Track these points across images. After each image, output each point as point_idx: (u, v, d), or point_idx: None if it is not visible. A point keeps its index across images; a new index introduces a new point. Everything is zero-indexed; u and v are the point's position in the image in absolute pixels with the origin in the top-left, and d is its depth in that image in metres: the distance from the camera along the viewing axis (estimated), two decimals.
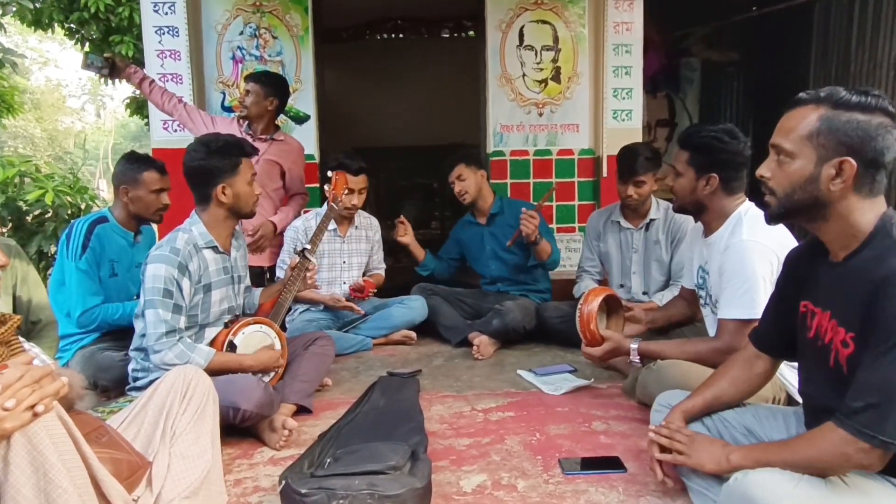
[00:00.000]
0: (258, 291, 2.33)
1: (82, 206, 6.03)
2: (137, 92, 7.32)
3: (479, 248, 3.12)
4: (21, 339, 1.31)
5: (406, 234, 3.02)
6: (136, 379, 2.04)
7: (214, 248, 2.03)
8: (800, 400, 1.67)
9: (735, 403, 1.49)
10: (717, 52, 5.51)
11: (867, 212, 1.17)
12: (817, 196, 1.18)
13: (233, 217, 2.07)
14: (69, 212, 5.70)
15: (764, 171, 1.27)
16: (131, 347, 2.07)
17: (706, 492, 1.41)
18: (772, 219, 1.29)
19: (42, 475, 0.97)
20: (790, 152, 1.21)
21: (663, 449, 1.44)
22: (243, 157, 2.03)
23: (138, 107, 7.23)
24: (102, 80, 2.77)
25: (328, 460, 1.59)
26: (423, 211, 6.04)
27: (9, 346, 1.27)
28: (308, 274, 2.29)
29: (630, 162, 2.65)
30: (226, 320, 2.11)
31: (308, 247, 2.33)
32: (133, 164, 2.40)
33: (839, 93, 1.17)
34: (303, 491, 1.39)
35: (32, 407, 0.96)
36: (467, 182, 2.99)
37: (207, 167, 1.98)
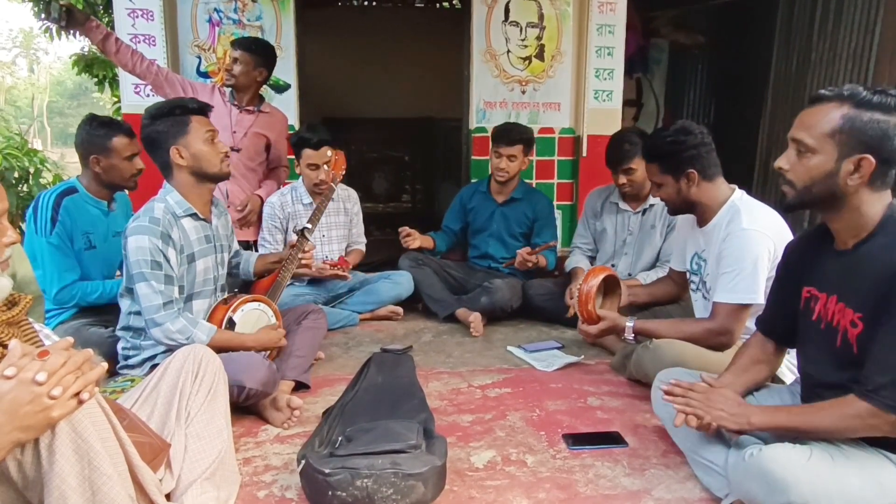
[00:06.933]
0: (253, 256, 2.27)
1: (31, 171, 5.64)
2: (86, 49, 6.81)
3: (486, 223, 3.09)
4: (30, 319, 1.25)
5: (415, 240, 2.95)
6: (126, 357, 1.98)
7: (194, 216, 1.95)
8: (785, 379, 1.79)
9: (763, 383, 1.58)
10: (684, 34, 5.61)
11: (876, 203, 1.27)
12: (834, 190, 1.27)
13: (203, 181, 1.95)
14: (16, 175, 5.31)
15: (783, 163, 1.34)
16: (119, 326, 1.99)
17: (710, 464, 1.49)
18: (788, 208, 1.37)
19: (87, 463, 0.95)
20: (812, 147, 1.28)
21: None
22: (190, 114, 1.90)
23: (87, 65, 6.72)
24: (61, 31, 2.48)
25: (340, 439, 1.59)
26: (394, 184, 5.97)
27: (19, 326, 1.22)
28: (302, 254, 2.26)
29: (615, 152, 2.67)
30: (210, 291, 2.05)
31: (308, 226, 2.29)
32: (100, 130, 2.24)
33: (861, 92, 1.25)
34: (326, 471, 1.39)
35: (77, 394, 0.92)
36: (516, 164, 2.95)
37: (154, 133, 1.90)
